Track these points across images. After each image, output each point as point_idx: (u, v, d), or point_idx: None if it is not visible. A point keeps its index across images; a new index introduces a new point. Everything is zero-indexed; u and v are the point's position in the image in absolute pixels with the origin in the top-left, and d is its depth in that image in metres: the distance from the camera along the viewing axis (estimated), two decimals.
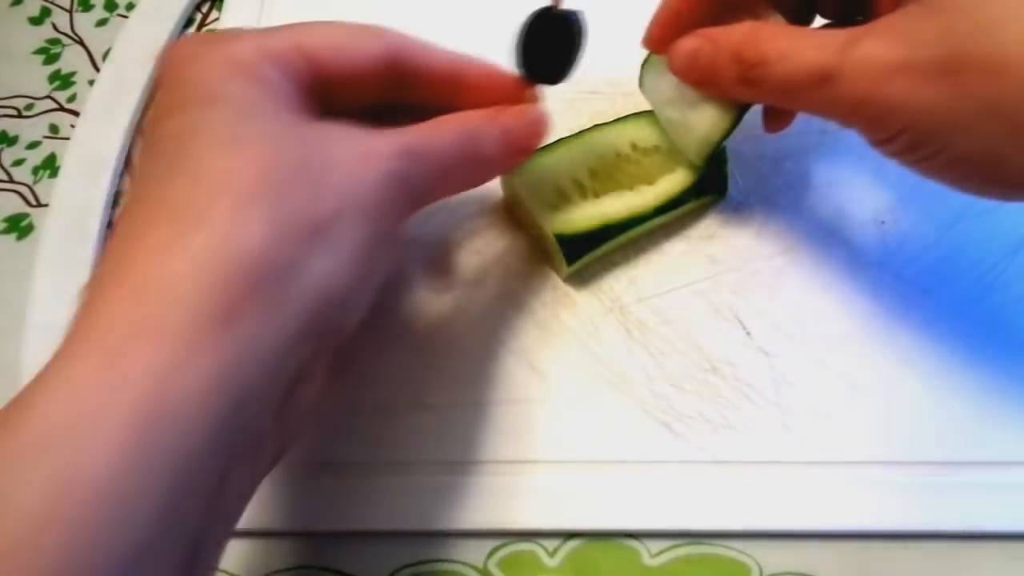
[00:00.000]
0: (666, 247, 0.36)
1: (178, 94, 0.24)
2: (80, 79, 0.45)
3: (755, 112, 0.33)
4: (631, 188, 0.35)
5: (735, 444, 0.32)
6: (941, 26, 0.24)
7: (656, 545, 0.31)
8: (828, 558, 0.31)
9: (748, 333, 0.34)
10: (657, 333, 0.34)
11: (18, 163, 0.43)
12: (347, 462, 0.32)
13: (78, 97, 0.44)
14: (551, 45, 0.29)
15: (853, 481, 0.31)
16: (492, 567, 0.31)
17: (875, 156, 0.37)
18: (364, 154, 0.24)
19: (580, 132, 0.35)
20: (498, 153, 0.28)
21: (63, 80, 0.45)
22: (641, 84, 0.34)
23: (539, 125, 0.30)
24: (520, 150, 0.30)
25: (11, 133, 0.43)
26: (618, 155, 0.35)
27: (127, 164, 0.42)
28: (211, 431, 0.20)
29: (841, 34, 0.26)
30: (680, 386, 0.33)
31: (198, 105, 0.23)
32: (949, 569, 0.31)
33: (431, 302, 0.35)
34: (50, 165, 0.42)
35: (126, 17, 0.46)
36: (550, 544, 0.32)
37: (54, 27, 0.47)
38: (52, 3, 0.47)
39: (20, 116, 0.44)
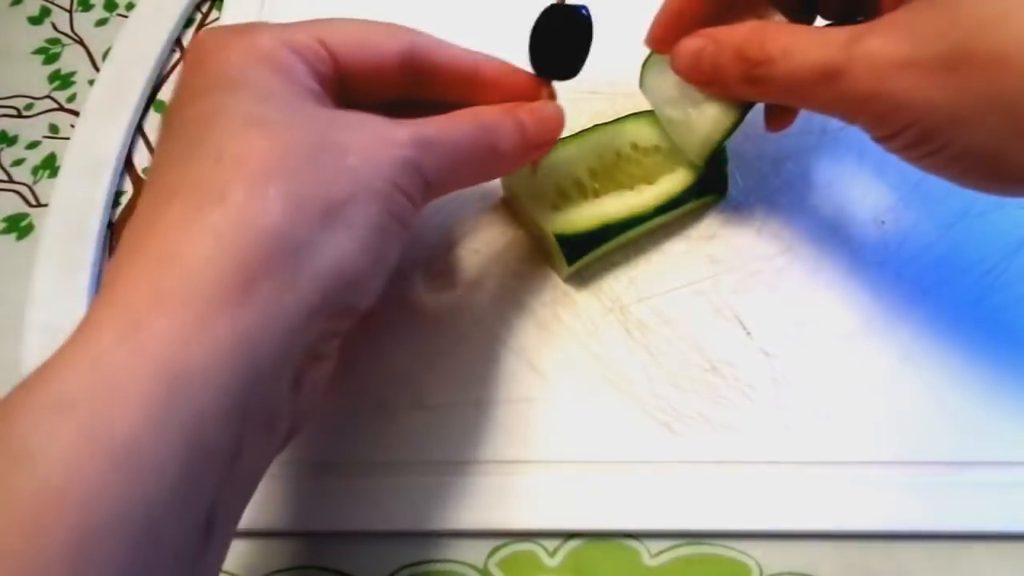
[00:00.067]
0: (666, 247, 0.36)
1: (200, 81, 0.25)
2: (80, 79, 0.45)
3: (755, 113, 0.33)
4: (631, 188, 0.35)
5: (735, 444, 0.32)
6: (945, 22, 0.24)
7: (656, 545, 0.31)
8: (828, 558, 0.31)
9: (748, 333, 0.34)
10: (657, 333, 0.34)
11: (18, 163, 0.43)
12: (347, 462, 0.32)
13: (78, 97, 0.44)
14: (561, 40, 0.30)
15: (853, 481, 0.31)
16: (492, 567, 0.31)
17: (876, 156, 0.37)
18: (380, 140, 0.25)
19: (580, 132, 0.35)
20: (513, 147, 0.29)
21: (63, 80, 0.45)
22: (642, 84, 0.34)
23: (555, 121, 0.31)
24: (536, 145, 0.30)
25: (11, 133, 0.43)
26: (618, 155, 0.35)
27: (127, 164, 0.42)
28: (226, 397, 0.21)
29: (845, 31, 0.26)
30: (680, 386, 0.33)
31: (219, 90, 0.24)
32: (949, 569, 0.31)
33: (431, 302, 0.35)
34: (50, 165, 0.42)
35: (126, 17, 0.46)
36: (550, 544, 0.32)
37: (54, 27, 0.47)
38: (52, 3, 0.47)
39: (20, 116, 0.44)
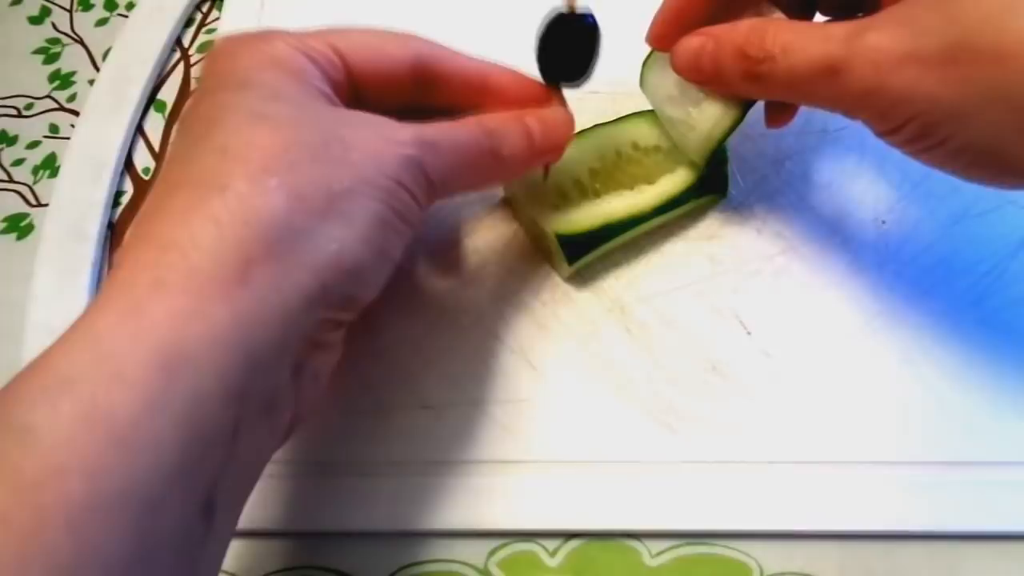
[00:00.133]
0: (666, 247, 0.36)
1: (212, 82, 0.26)
2: (80, 79, 0.45)
3: (756, 113, 0.33)
4: (632, 188, 0.35)
5: (735, 444, 0.32)
6: (946, 15, 0.24)
7: (657, 545, 0.31)
8: (828, 558, 0.31)
9: (748, 333, 0.34)
10: (657, 333, 0.34)
11: (18, 163, 0.43)
12: (347, 462, 0.32)
13: (78, 97, 0.44)
14: (569, 47, 0.30)
15: (853, 481, 0.31)
16: (492, 567, 0.31)
17: (876, 156, 0.37)
18: (384, 138, 0.25)
19: (581, 132, 0.35)
20: (519, 152, 0.29)
21: (63, 80, 0.45)
22: (642, 83, 0.34)
23: (563, 126, 0.31)
24: (544, 150, 0.31)
25: (11, 133, 0.43)
26: (619, 154, 0.35)
27: (127, 164, 0.42)
28: (224, 380, 0.21)
29: (845, 26, 0.26)
30: (680, 386, 0.33)
31: (229, 89, 0.25)
32: (949, 569, 0.31)
33: (431, 301, 0.35)
34: (50, 165, 0.42)
35: (126, 17, 0.46)
36: (550, 544, 0.32)
37: (54, 27, 0.47)
38: (52, 2, 0.47)
39: (20, 116, 0.44)
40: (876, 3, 0.28)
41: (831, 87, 0.26)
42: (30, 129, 0.43)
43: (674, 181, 0.35)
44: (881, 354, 0.33)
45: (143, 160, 0.42)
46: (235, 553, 0.32)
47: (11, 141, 0.43)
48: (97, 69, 0.45)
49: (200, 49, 0.45)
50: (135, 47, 0.44)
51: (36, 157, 0.43)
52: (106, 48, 0.45)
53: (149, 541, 0.19)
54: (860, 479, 0.31)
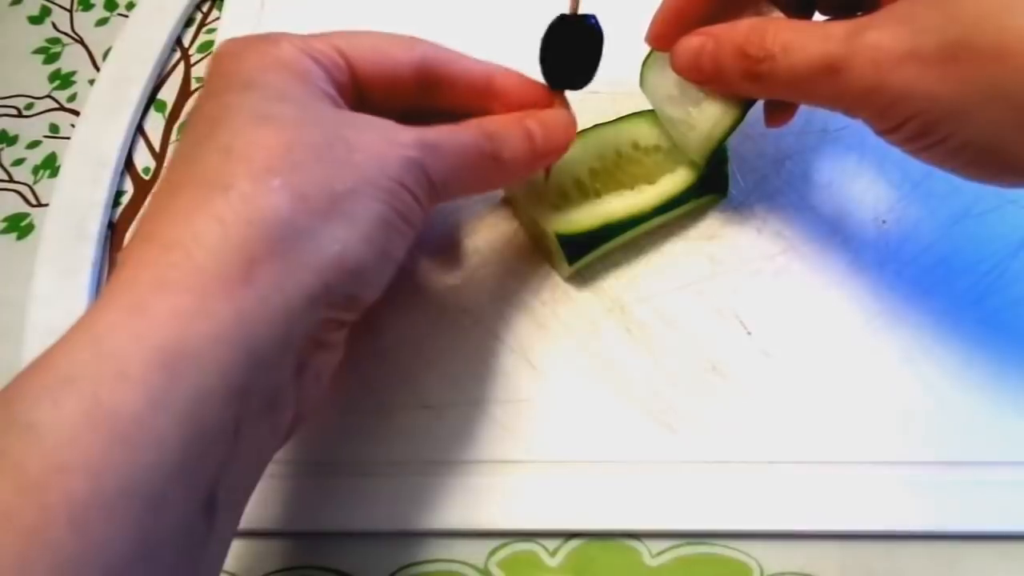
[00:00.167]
0: (666, 247, 0.36)
1: (217, 83, 0.26)
2: (80, 78, 0.45)
3: (756, 113, 0.33)
4: (632, 187, 0.35)
5: (735, 444, 0.32)
6: (945, 13, 0.24)
7: (657, 545, 0.31)
8: (829, 558, 0.31)
9: (748, 333, 0.34)
10: (657, 333, 0.34)
11: (18, 162, 0.43)
12: (347, 462, 0.32)
13: (78, 97, 0.44)
14: (571, 50, 0.30)
15: (853, 481, 0.31)
16: (492, 567, 0.31)
17: (876, 156, 0.37)
18: (387, 140, 0.25)
19: (581, 131, 0.35)
20: (520, 155, 0.29)
21: (63, 79, 0.45)
22: (642, 82, 0.34)
23: (564, 129, 0.31)
24: (545, 153, 0.31)
25: (11, 132, 0.43)
26: (619, 154, 0.35)
27: (127, 164, 0.42)
28: (226, 378, 0.21)
29: (845, 25, 0.26)
30: (680, 386, 0.33)
31: (234, 90, 0.25)
32: (949, 569, 0.31)
33: (431, 301, 0.35)
34: (50, 165, 0.42)
35: (126, 16, 0.46)
36: (551, 544, 0.32)
37: (54, 26, 0.47)
38: (52, 2, 0.47)
39: (20, 115, 0.44)
40: (875, 2, 0.28)
41: (831, 86, 0.26)
42: (30, 129, 0.44)
43: (674, 181, 0.35)
44: (881, 354, 0.33)
45: (143, 160, 0.42)
46: (235, 553, 0.32)
47: (11, 141, 0.43)
48: (97, 69, 0.45)
49: (200, 49, 0.45)
50: (135, 47, 0.44)
51: (36, 157, 0.43)
52: (106, 48, 0.45)
53: (151, 539, 0.19)
54: (860, 479, 0.31)
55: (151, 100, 0.44)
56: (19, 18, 0.47)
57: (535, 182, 0.34)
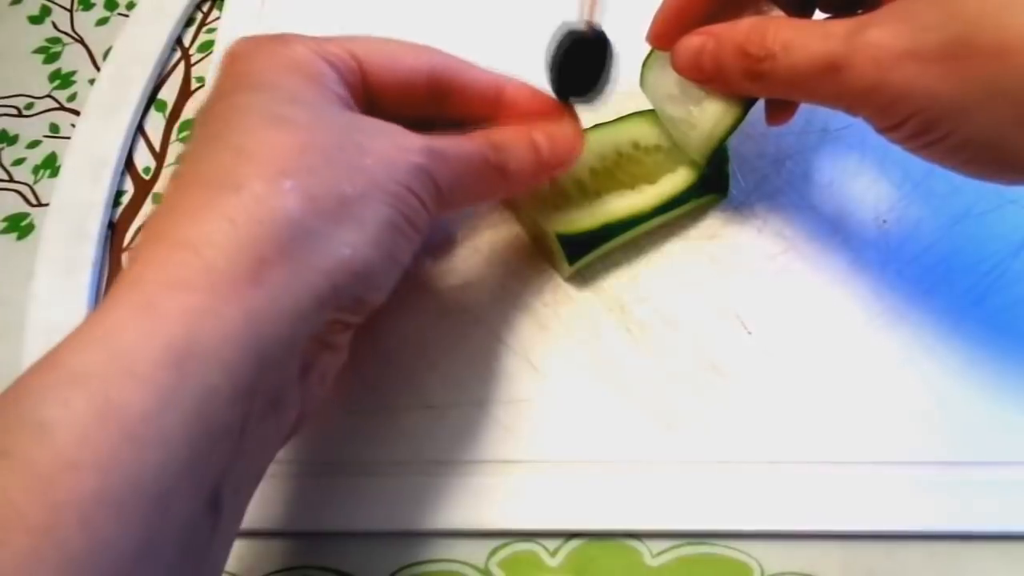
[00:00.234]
0: (667, 247, 0.36)
1: (229, 82, 0.26)
2: (80, 78, 0.45)
3: (756, 113, 0.33)
4: (632, 187, 0.35)
5: (735, 444, 0.32)
6: (946, 11, 0.24)
7: (657, 545, 0.31)
8: (829, 558, 0.31)
9: (749, 333, 0.34)
10: (657, 333, 0.34)
11: (18, 162, 0.43)
12: (347, 462, 0.32)
13: (78, 96, 0.44)
14: (581, 64, 0.30)
15: (854, 481, 0.31)
16: (493, 567, 0.31)
17: (877, 155, 0.37)
18: (397, 146, 0.26)
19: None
20: (525, 167, 0.30)
21: (63, 79, 0.45)
22: (642, 82, 0.34)
23: (571, 141, 0.31)
24: (549, 166, 0.31)
25: (11, 132, 0.43)
26: (619, 154, 0.35)
27: (128, 164, 0.42)
28: (233, 377, 0.21)
29: (845, 23, 0.26)
30: (680, 386, 0.33)
31: (247, 90, 0.25)
32: (949, 569, 0.31)
33: (432, 301, 0.35)
34: (50, 164, 0.42)
35: (127, 16, 0.46)
36: (551, 544, 0.32)
37: (54, 26, 0.47)
38: (52, 2, 0.47)
39: (20, 115, 0.44)
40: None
41: (832, 84, 0.26)
42: (30, 129, 0.44)
43: (675, 180, 0.35)
44: (882, 354, 0.33)
45: (143, 160, 0.42)
46: (236, 553, 0.32)
47: (11, 141, 0.43)
48: (97, 69, 0.45)
49: (200, 49, 0.45)
50: (135, 47, 0.44)
51: (36, 157, 0.43)
52: (106, 48, 0.45)
53: (157, 537, 0.20)
54: (861, 479, 0.31)
55: (151, 100, 0.44)
56: (19, 18, 0.47)
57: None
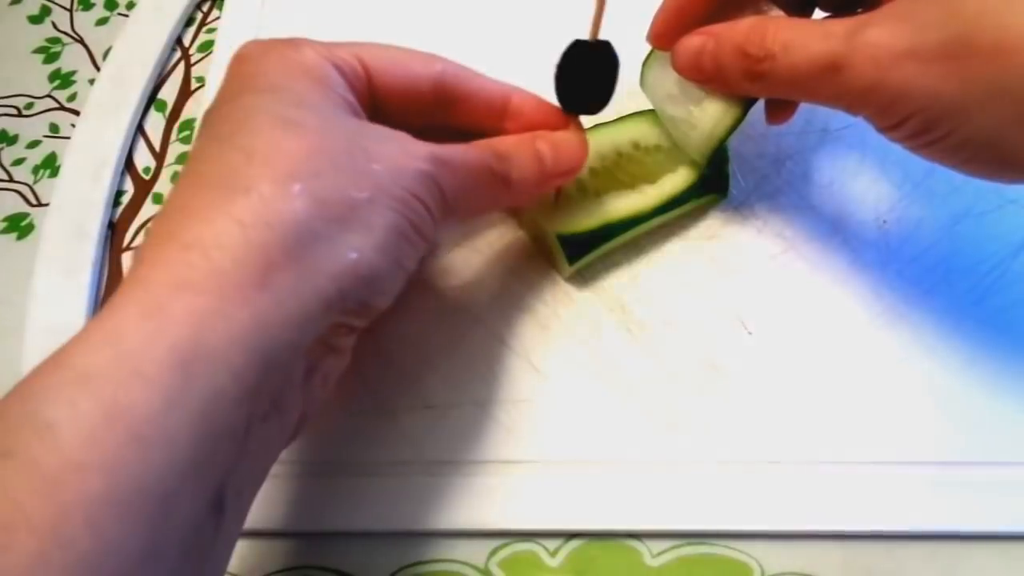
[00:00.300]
0: (667, 247, 0.36)
1: (238, 85, 0.26)
2: (80, 78, 0.45)
3: (757, 113, 0.33)
4: (633, 187, 0.35)
5: (735, 444, 0.32)
6: (946, 10, 0.24)
7: (657, 545, 0.31)
8: (829, 558, 0.31)
9: (749, 333, 0.34)
10: (657, 333, 0.34)
11: (18, 162, 0.43)
12: (349, 462, 0.32)
13: (78, 96, 0.44)
14: (587, 76, 0.31)
15: (854, 481, 0.31)
16: (493, 567, 0.31)
17: (877, 156, 0.37)
18: (404, 152, 0.26)
19: None
20: (528, 177, 0.30)
21: (63, 79, 0.45)
22: (642, 81, 0.34)
23: (576, 151, 0.31)
24: (553, 176, 0.31)
25: (11, 132, 0.43)
26: (619, 154, 0.35)
27: (127, 164, 0.42)
28: (239, 380, 0.21)
29: (845, 23, 0.26)
30: (680, 386, 0.33)
31: (255, 92, 0.25)
32: (949, 569, 0.31)
33: (432, 301, 0.35)
34: (50, 164, 0.42)
35: (126, 16, 0.46)
36: (551, 544, 0.32)
37: (54, 26, 0.47)
38: (52, 2, 0.47)
39: (20, 115, 0.44)
40: None
41: (832, 84, 0.26)
42: (30, 128, 0.43)
43: (675, 181, 0.35)
44: (882, 354, 0.33)
45: (143, 160, 0.42)
46: (237, 553, 0.32)
47: (11, 141, 0.43)
48: (97, 68, 0.45)
49: (200, 49, 0.45)
50: (135, 46, 0.44)
51: (36, 157, 0.43)
52: (106, 47, 0.45)
53: (161, 537, 0.20)
54: (861, 479, 0.31)
55: (151, 100, 0.44)
56: (19, 18, 0.47)
57: None
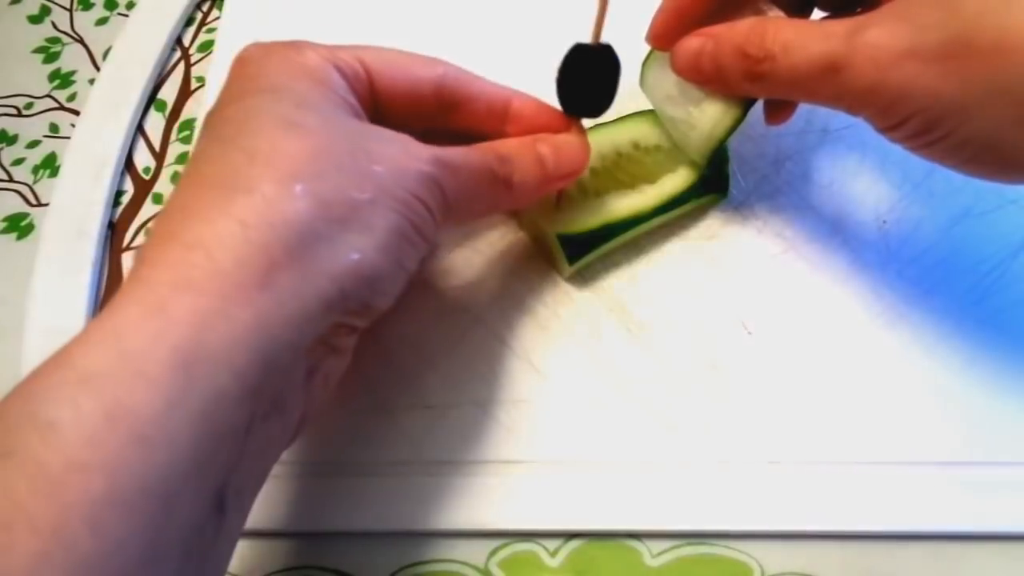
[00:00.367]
0: (667, 247, 0.36)
1: (240, 86, 0.26)
2: (80, 78, 0.45)
3: (756, 113, 0.33)
4: (633, 187, 0.35)
5: (735, 444, 0.32)
6: (946, 10, 0.24)
7: (657, 545, 0.31)
8: (829, 558, 0.31)
9: (749, 333, 0.34)
10: (657, 333, 0.34)
11: (18, 162, 0.43)
12: (348, 462, 0.32)
13: (78, 96, 0.44)
14: (589, 80, 0.31)
15: (854, 481, 0.31)
16: (493, 567, 0.31)
17: (877, 156, 0.37)
18: (406, 154, 0.26)
19: None
20: (529, 180, 0.30)
21: (63, 79, 0.45)
22: (642, 82, 0.34)
23: (577, 154, 0.31)
24: (555, 179, 0.31)
25: (11, 132, 0.43)
26: (619, 154, 0.35)
27: (127, 164, 0.42)
28: (241, 380, 0.21)
29: (844, 23, 0.26)
30: (680, 386, 0.33)
31: (259, 93, 0.25)
32: (949, 569, 0.31)
33: (433, 301, 0.35)
34: (50, 164, 0.42)
35: (126, 16, 0.46)
36: (551, 544, 0.32)
37: (54, 26, 0.47)
38: (52, 2, 0.47)
39: (20, 115, 0.44)
40: None
41: (832, 85, 0.26)
42: (30, 128, 0.43)
43: (675, 181, 0.35)
44: (882, 354, 0.33)
45: (143, 160, 0.42)
46: (237, 553, 0.31)
47: (11, 140, 0.43)
48: (97, 68, 0.45)
49: (200, 48, 0.45)
50: (135, 46, 0.44)
51: (36, 156, 0.43)
52: (106, 47, 0.45)
53: (163, 537, 0.20)
54: (861, 479, 0.31)
55: (151, 100, 0.44)
56: (19, 17, 0.47)
57: None
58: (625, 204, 0.34)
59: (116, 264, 0.39)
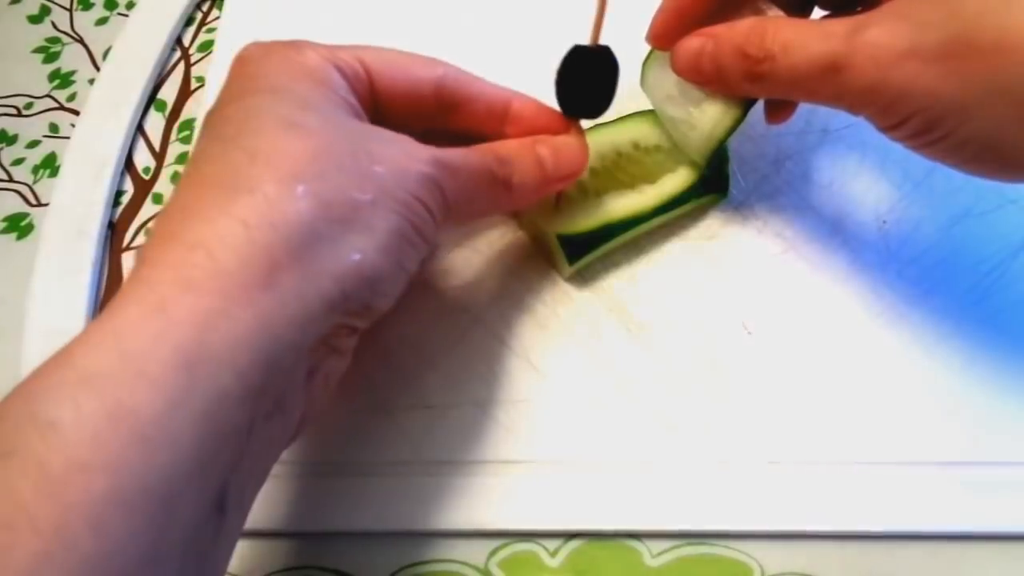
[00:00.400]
0: (667, 247, 0.36)
1: (241, 86, 0.26)
2: (80, 78, 0.45)
3: (756, 113, 0.33)
4: (633, 187, 0.35)
5: (735, 444, 0.32)
6: (946, 9, 0.24)
7: (657, 545, 0.31)
8: (829, 558, 0.31)
9: (749, 333, 0.34)
10: (657, 333, 0.34)
11: (18, 162, 0.43)
12: (348, 462, 0.32)
13: (78, 96, 0.44)
14: (588, 81, 0.31)
15: (854, 481, 0.31)
16: (493, 567, 0.31)
17: (877, 156, 0.37)
18: (407, 155, 0.26)
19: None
20: (529, 181, 0.30)
21: (63, 79, 0.45)
22: (642, 81, 0.34)
23: (576, 156, 0.31)
24: (555, 180, 0.31)
25: (11, 132, 0.43)
26: (619, 154, 0.35)
27: (127, 164, 0.42)
28: (243, 380, 0.21)
29: (845, 22, 0.26)
30: (680, 386, 0.33)
31: (260, 93, 0.25)
32: (949, 569, 0.31)
33: (432, 301, 0.35)
34: (50, 164, 0.42)
35: (126, 16, 0.46)
36: (551, 544, 0.32)
37: (54, 25, 0.47)
38: (52, 1, 0.47)
39: (20, 115, 0.44)
40: None
41: (832, 84, 0.26)
42: (30, 128, 0.44)
43: (675, 181, 0.35)
44: (882, 354, 0.33)
45: (143, 160, 0.42)
46: (237, 553, 0.31)
47: (11, 140, 0.43)
48: (97, 68, 0.45)
49: (200, 48, 0.45)
50: (135, 46, 0.44)
51: (36, 156, 0.43)
52: (106, 47, 0.45)
53: (164, 537, 0.20)
54: (860, 479, 0.31)
55: (151, 100, 0.44)
56: (19, 17, 0.47)
57: None
58: (625, 204, 0.34)
59: (116, 264, 0.39)
